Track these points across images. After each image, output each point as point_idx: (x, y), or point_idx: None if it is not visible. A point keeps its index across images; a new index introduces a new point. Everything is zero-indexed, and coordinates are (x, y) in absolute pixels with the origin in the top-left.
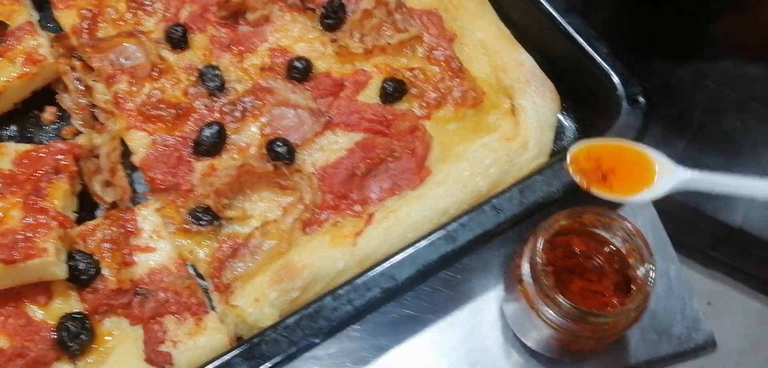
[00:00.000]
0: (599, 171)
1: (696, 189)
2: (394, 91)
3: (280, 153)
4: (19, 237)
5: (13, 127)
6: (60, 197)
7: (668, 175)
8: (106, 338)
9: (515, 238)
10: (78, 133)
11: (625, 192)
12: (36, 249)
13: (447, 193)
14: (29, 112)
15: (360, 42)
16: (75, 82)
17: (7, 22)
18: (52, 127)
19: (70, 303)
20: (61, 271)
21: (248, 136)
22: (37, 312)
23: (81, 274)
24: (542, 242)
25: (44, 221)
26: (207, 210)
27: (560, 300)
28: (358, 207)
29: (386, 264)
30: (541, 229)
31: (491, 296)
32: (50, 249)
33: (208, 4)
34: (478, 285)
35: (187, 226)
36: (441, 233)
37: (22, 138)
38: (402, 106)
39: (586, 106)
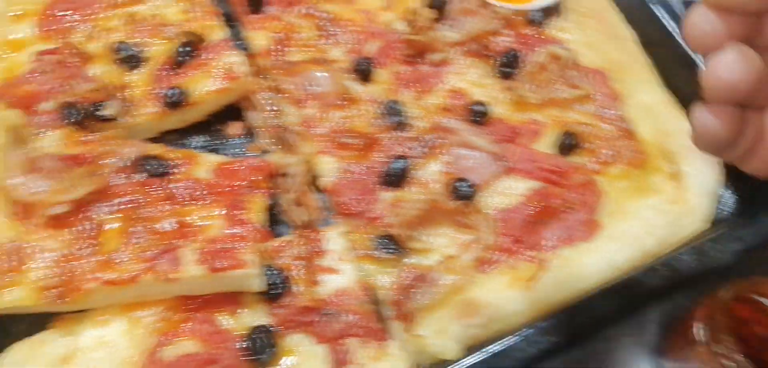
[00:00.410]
0: None
1: None
2: (571, 144)
3: (464, 192)
4: (223, 247)
5: (201, 138)
6: (257, 211)
7: None
8: (291, 353)
9: (674, 300)
10: (263, 150)
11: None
12: (239, 260)
13: (619, 249)
14: (214, 125)
15: (534, 93)
16: (265, 101)
17: (203, 37)
18: (237, 142)
19: (257, 315)
20: (258, 284)
21: (430, 173)
22: (226, 321)
23: (273, 288)
24: (722, 305)
25: (245, 234)
26: (392, 239)
27: (743, 362)
28: (531, 253)
29: (567, 311)
30: (722, 292)
31: (643, 356)
32: (251, 261)
33: (393, 41)
34: (629, 342)
35: (371, 253)
36: (617, 284)
37: (208, 149)
38: (576, 159)
39: (746, 177)
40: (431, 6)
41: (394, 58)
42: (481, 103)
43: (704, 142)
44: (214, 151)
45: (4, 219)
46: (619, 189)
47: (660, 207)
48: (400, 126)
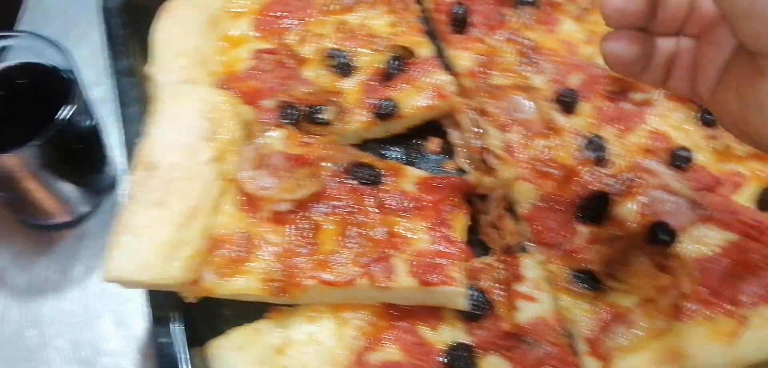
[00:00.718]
0: None
1: None
2: None
3: (662, 236)
4: (432, 261)
5: (398, 149)
6: (460, 229)
7: None
8: None
9: None
10: (460, 169)
11: None
12: (448, 276)
13: None
14: (414, 139)
15: (739, 144)
16: (469, 122)
17: (412, 52)
18: (434, 158)
19: (456, 332)
20: (463, 302)
21: (628, 212)
22: (427, 334)
23: (476, 308)
24: None
25: (452, 251)
26: (590, 274)
27: None
28: (729, 306)
29: None
30: None
31: None
32: (460, 279)
33: (597, 75)
34: None
35: (569, 286)
36: None
37: (405, 161)
38: None
39: None
40: None
41: (597, 92)
42: (685, 149)
43: (614, 65)
44: (411, 163)
45: (235, 209)
46: None
47: None
48: (601, 161)
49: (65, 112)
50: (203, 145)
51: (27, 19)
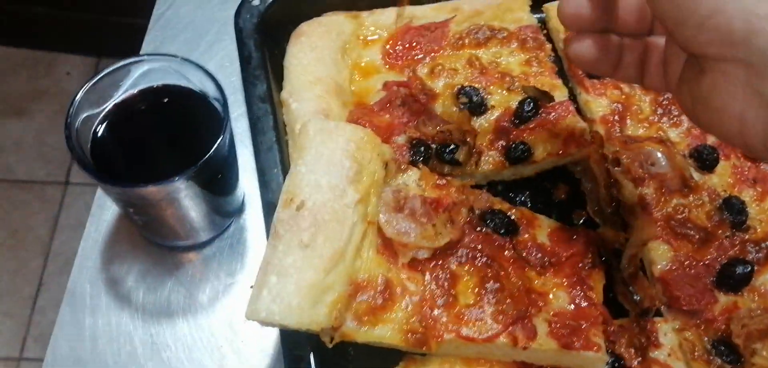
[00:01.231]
0: None
1: None
2: None
3: None
4: (572, 323)
5: (525, 194)
6: (598, 289)
7: None
8: None
9: None
10: (589, 218)
11: None
12: (591, 341)
13: None
14: (541, 183)
15: None
16: (604, 172)
17: (547, 94)
18: (563, 205)
19: None
20: None
21: (767, 282)
22: None
23: None
24: None
25: (591, 312)
26: (731, 345)
27: None
28: None
29: None
30: None
31: None
32: (602, 344)
33: None
34: None
35: (707, 356)
36: None
37: (533, 207)
38: None
39: None
40: None
41: (735, 151)
42: None
43: (580, 65)
44: (538, 210)
45: (374, 254)
46: None
47: None
48: (739, 225)
49: (218, 144)
50: (350, 186)
51: (154, 32)
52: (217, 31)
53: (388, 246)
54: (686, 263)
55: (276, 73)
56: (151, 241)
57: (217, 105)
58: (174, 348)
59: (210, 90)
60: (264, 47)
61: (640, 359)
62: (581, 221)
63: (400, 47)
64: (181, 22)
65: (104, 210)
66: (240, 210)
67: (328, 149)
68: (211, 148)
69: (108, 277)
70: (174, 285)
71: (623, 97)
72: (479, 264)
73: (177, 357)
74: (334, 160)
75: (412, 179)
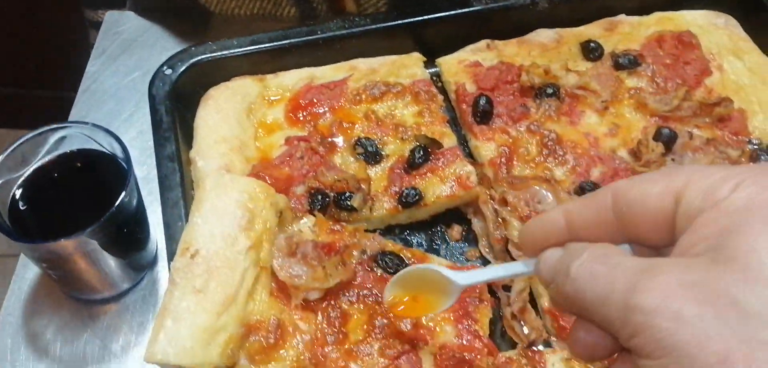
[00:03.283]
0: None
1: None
2: None
3: None
4: (457, 356)
5: (421, 236)
6: (485, 323)
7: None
8: None
9: None
10: (482, 257)
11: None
12: None
13: None
14: (437, 226)
15: None
16: (492, 212)
17: (436, 142)
18: (457, 245)
19: None
20: None
21: None
22: None
23: None
24: None
25: (477, 346)
26: None
27: None
28: None
29: None
30: None
31: None
32: None
33: (618, 168)
34: None
35: None
36: None
37: (428, 248)
38: None
39: None
40: (659, 139)
41: None
42: None
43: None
44: (435, 251)
45: (268, 296)
46: None
47: None
48: None
49: (121, 198)
50: (242, 234)
51: (83, 101)
52: (137, 100)
53: (282, 289)
54: None
55: (188, 136)
56: (70, 296)
57: (124, 165)
58: None
59: (118, 151)
60: (175, 112)
61: None
62: (474, 260)
63: (302, 104)
64: (106, 93)
65: (27, 270)
66: (153, 262)
67: (222, 201)
68: (118, 202)
69: (28, 332)
70: (89, 336)
71: (510, 141)
72: (369, 302)
73: None
74: (227, 210)
75: (306, 226)
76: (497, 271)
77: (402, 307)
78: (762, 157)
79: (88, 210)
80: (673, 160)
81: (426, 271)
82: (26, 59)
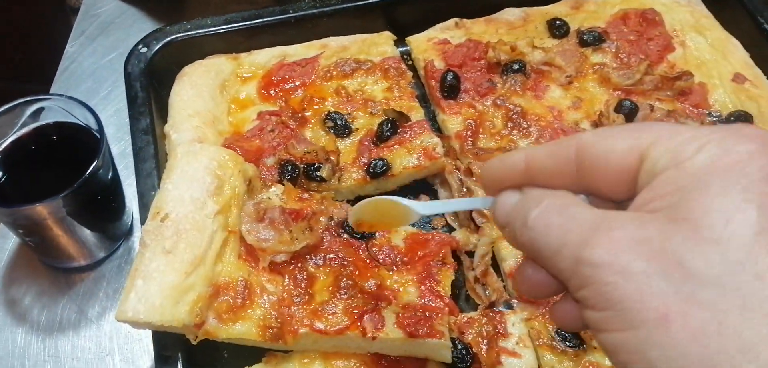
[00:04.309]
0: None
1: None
2: None
3: None
4: (419, 314)
5: None
6: (447, 285)
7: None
8: None
9: None
10: (448, 226)
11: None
12: (435, 330)
13: None
14: (404, 197)
15: None
16: (457, 182)
17: (405, 116)
18: (424, 217)
19: None
20: (448, 355)
21: None
22: None
23: (460, 361)
24: None
25: (438, 305)
26: (574, 332)
27: None
28: None
29: None
30: None
31: None
32: (445, 332)
33: None
34: None
35: (552, 343)
36: None
37: None
38: None
39: None
40: (620, 111)
41: None
42: None
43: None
44: None
45: (236, 259)
46: None
47: None
48: None
49: (93, 167)
50: (210, 199)
51: (62, 81)
52: (115, 79)
53: (251, 253)
54: None
55: (163, 112)
56: (47, 264)
57: (98, 135)
58: (67, 359)
59: (92, 123)
60: (150, 88)
61: (487, 347)
62: (440, 228)
63: (275, 81)
64: (85, 73)
65: (6, 240)
66: (129, 233)
67: (191, 168)
68: (88, 170)
69: (6, 298)
70: (66, 303)
71: (476, 114)
72: (335, 266)
73: (70, 366)
74: (196, 176)
75: (275, 194)
76: (456, 204)
77: (364, 227)
78: None
79: (63, 180)
80: None
81: (387, 202)
82: (7, 51)
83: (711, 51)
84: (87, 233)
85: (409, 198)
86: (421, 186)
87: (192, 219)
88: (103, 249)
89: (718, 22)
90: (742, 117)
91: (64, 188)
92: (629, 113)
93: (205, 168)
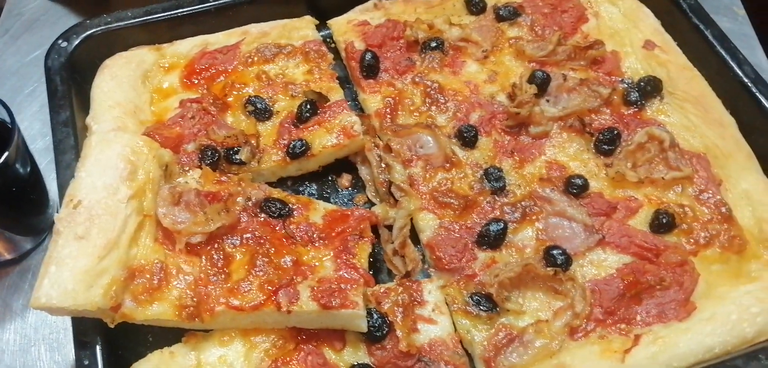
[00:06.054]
0: None
1: None
2: (667, 223)
3: (557, 259)
4: (334, 287)
5: (313, 186)
6: (364, 257)
7: None
8: None
9: None
10: (369, 202)
11: None
12: (348, 301)
13: (714, 332)
14: (327, 176)
15: (633, 171)
16: (376, 158)
17: (324, 96)
18: (346, 192)
19: (358, 354)
20: (363, 324)
21: (524, 238)
22: (331, 356)
23: (376, 331)
24: None
25: (353, 277)
26: (488, 297)
27: None
28: (623, 326)
29: None
30: None
31: None
32: (359, 303)
33: (496, 112)
34: None
35: (467, 308)
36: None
37: (319, 196)
38: (671, 238)
39: None
40: (533, 82)
41: (496, 127)
42: (580, 177)
43: None
44: (326, 198)
45: (152, 242)
46: (713, 272)
47: (758, 294)
48: (499, 191)
49: (5, 159)
50: (123, 184)
51: None
52: (39, 77)
53: (167, 236)
54: (449, 227)
55: (86, 106)
56: None
57: (10, 126)
58: None
59: (5, 116)
60: (71, 82)
61: (402, 315)
62: (362, 204)
63: (197, 69)
64: (9, 71)
65: None
66: (53, 226)
67: (104, 155)
68: None
69: None
70: None
71: (396, 92)
72: (252, 245)
73: None
74: (109, 163)
75: (193, 178)
76: None
77: None
78: (632, 94)
79: None
80: (547, 101)
81: None
82: None
83: (623, 20)
84: (8, 226)
85: (332, 177)
86: (343, 165)
87: (105, 205)
88: (28, 242)
89: None
90: (653, 82)
91: None
92: (542, 83)
93: (118, 155)
